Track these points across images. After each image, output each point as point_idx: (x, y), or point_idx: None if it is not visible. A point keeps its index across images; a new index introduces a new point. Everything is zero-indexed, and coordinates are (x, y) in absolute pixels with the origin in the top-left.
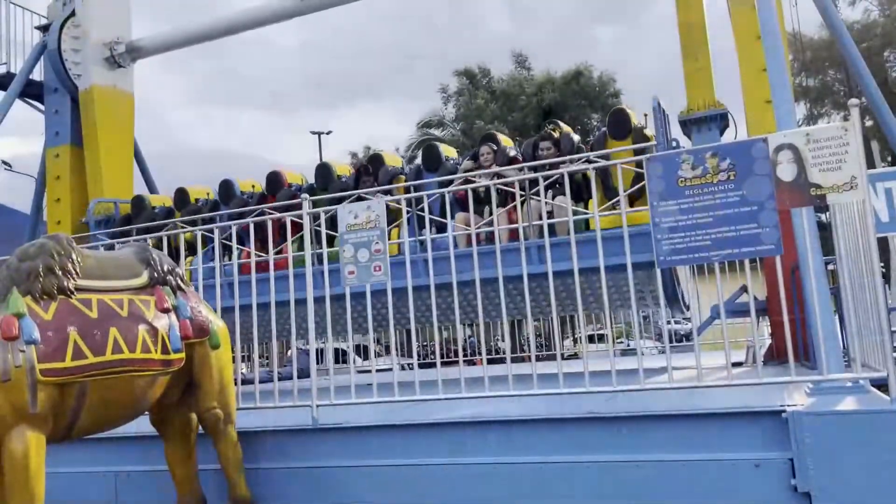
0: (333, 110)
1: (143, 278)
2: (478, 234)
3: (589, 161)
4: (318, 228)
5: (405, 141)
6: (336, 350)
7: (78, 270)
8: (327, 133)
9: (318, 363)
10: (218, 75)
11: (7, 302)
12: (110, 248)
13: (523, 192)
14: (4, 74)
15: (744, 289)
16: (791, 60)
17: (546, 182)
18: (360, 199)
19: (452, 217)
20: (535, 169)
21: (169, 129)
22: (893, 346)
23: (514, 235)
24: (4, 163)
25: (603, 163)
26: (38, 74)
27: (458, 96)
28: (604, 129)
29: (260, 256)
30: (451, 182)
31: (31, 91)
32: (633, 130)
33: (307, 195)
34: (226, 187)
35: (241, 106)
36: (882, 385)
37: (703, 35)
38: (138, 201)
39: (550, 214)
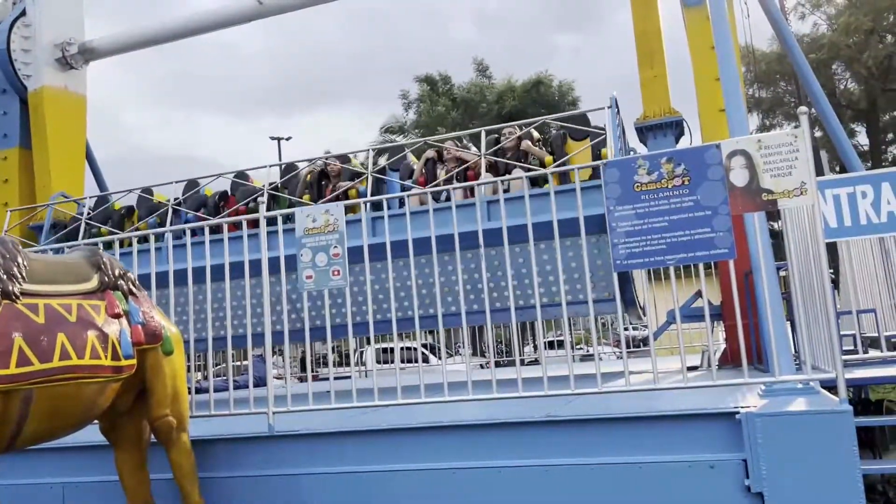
0: (294, 115)
1: (94, 282)
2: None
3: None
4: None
5: (366, 146)
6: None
7: (24, 274)
8: (287, 139)
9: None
10: (177, 78)
11: None
12: (59, 251)
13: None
14: None
15: (699, 294)
16: (744, 72)
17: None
18: (320, 194)
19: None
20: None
21: (125, 131)
22: (841, 349)
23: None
24: None
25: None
26: None
27: (419, 103)
28: (563, 131)
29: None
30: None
31: None
32: (590, 134)
33: (262, 200)
34: (192, 185)
35: (200, 109)
36: (832, 387)
37: (658, 44)
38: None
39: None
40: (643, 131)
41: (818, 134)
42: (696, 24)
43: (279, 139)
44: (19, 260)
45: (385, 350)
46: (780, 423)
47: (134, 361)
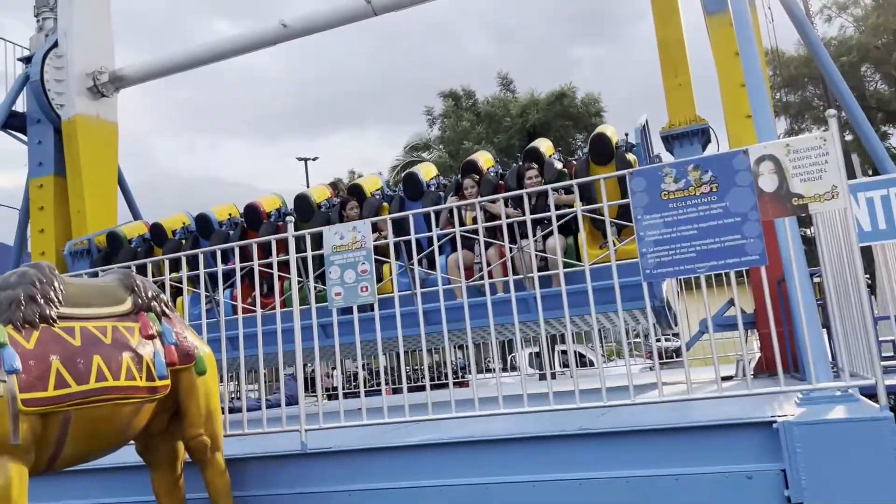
0: (319, 136)
1: (127, 305)
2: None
3: (573, 190)
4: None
5: (390, 163)
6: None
7: (60, 298)
8: (313, 159)
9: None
10: (203, 104)
11: None
12: (94, 275)
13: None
14: None
15: (731, 302)
16: (770, 76)
17: (534, 218)
18: None
19: (441, 251)
20: (520, 201)
21: (154, 157)
22: (880, 355)
23: (504, 274)
24: None
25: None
26: (21, 106)
27: (443, 119)
28: (587, 154)
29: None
30: (437, 213)
31: (15, 123)
32: (615, 154)
33: (291, 219)
34: (204, 223)
35: (225, 134)
36: (871, 394)
37: (682, 51)
38: (113, 238)
39: (542, 252)
40: (669, 140)
41: (849, 137)
42: (719, 30)
43: (306, 160)
44: (56, 284)
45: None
46: (819, 432)
47: (168, 382)
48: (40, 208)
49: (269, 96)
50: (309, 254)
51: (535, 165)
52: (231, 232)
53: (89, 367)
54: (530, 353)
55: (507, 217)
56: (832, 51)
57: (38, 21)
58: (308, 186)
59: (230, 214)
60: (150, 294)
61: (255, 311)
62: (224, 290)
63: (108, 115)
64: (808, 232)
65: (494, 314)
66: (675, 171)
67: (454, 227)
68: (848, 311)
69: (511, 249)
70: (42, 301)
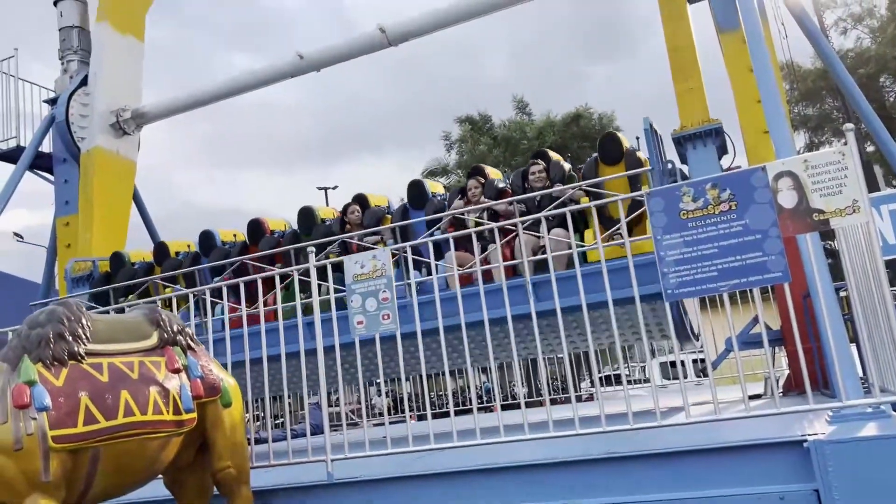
0: (336, 165)
1: (153, 339)
2: (473, 274)
3: (585, 191)
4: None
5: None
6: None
7: (88, 335)
8: (333, 188)
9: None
10: (223, 137)
11: (18, 370)
12: (122, 310)
13: (515, 227)
14: (15, 148)
15: (756, 320)
16: (788, 90)
17: (541, 214)
18: (344, 243)
19: (442, 257)
20: (527, 200)
21: (175, 189)
22: None
23: (509, 272)
24: (16, 234)
25: (600, 200)
26: (47, 146)
27: (460, 143)
28: (595, 155)
29: (248, 308)
30: (439, 220)
31: (41, 163)
32: (625, 155)
33: (312, 249)
34: (206, 238)
35: (246, 165)
36: None
37: (692, 56)
38: (116, 258)
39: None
40: (681, 142)
41: (870, 148)
42: (732, 47)
43: (325, 189)
44: (84, 321)
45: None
46: (852, 450)
47: (195, 415)
48: (67, 246)
49: (287, 126)
50: (331, 290)
51: (541, 161)
52: (231, 248)
53: (117, 402)
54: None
55: (512, 215)
56: (849, 63)
57: (62, 63)
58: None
59: (234, 235)
60: (175, 328)
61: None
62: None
63: (127, 153)
64: (833, 244)
65: (492, 305)
66: (692, 190)
67: (456, 230)
68: (876, 325)
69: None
70: (70, 338)
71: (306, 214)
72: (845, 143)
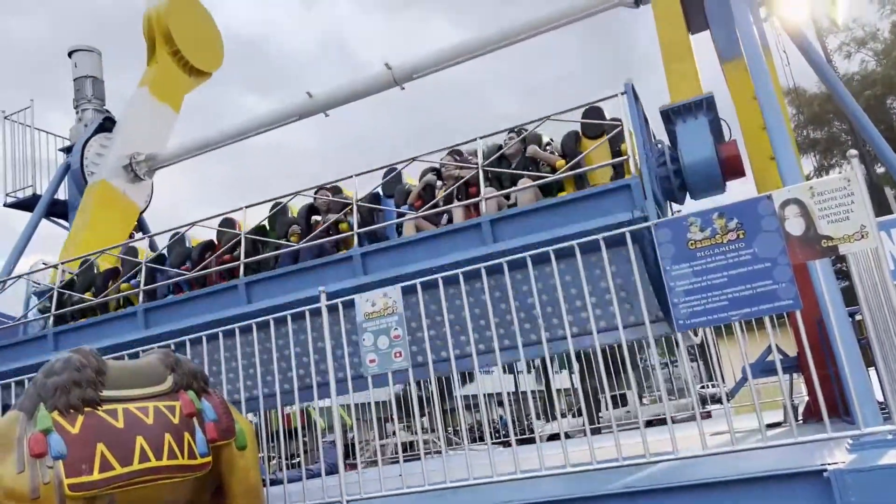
0: None
1: (168, 384)
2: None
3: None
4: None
5: None
6: None
7: (103, 381)
8: None
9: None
10: (233, 178)
11: (35, 419)
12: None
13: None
14: (31, 196)
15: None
16: (794, 114)
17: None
18: (309, 229)
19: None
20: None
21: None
22: None
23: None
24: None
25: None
26: (62, 194)
27: None
28: (574, 129)
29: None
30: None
31: (57, 210)
32: (605, 130)
33: (323, 292)
34: (175, 242)
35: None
36: None
37: (685, 43)
38: (84, 266)
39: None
40: (670, 116)
41: (881, 170)
42: (735, 75)
43: None
44: (99, 368)
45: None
46: (873, 479)
47: (209, 459)
48: None
49: (298, 165)
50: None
51: (516, 131)
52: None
53: (133, 448)
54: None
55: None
56: (855, 86)
57: (77, 112)
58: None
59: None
60: (189, 372)
61: None
62: None
63: (134, 196)
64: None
65: (451, 248)
66: (700, 220)
67: (423, 203)
68: (892, 349)
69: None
70: (86, 385)
71: (277, 208)
72: (850, 169)
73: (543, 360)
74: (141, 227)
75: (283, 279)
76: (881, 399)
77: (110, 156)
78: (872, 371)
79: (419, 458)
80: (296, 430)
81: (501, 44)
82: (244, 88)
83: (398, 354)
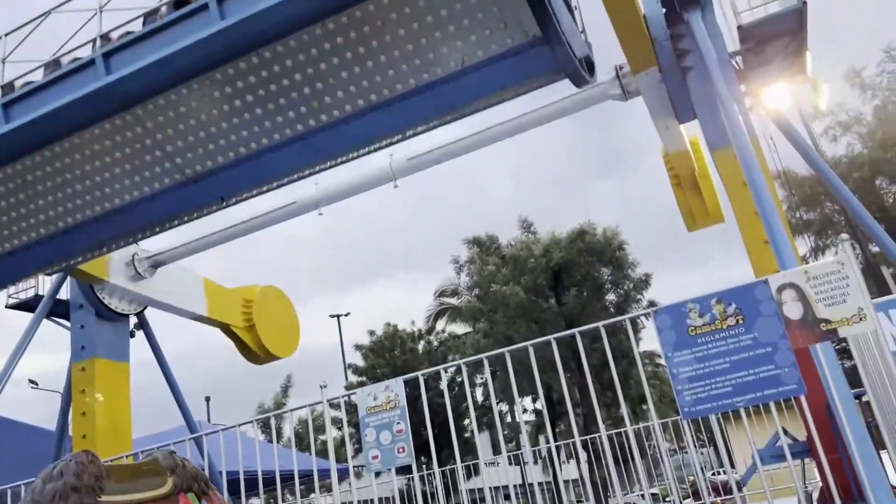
0: (351, 291)
1: (168, 486)
2: None
3: None
4: None
5: (423, 311)
6: None
7: (102, 486)
8: (346, 315)
9: None
10: (237, 270)
11: None
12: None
13: None
14: (33, 297)
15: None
16: (785, 197)
17: None
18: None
19: None
20: None
21: (190, 327)
22: None
23: None
24: (31, 381)
25: None
26: (64, 293)
27: (469, 264)
28: None
29: None
30: None
31: (58, 310)
32: None
33: (325, 387)
34: None
35: None
36: None
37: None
38: None
39: None
40: None
41: (876, 249)
42: (724, 163)
43: (338, 316)
44: (97, 472)
45: None
46: None
47: None
48: (82, 391)
49: (300, 255)
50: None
51: None
52: None
53: None
54: None
55: None
56: (843, 168)
57: None
58: (342, 341)
59: None
60: (190, 474)
61: None
62: None
63: (121, 358)
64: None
65: None
66: (698, 307)
67: None
68: None
69: None
70: (84, 491)
71: None
72: (838, 253)
73: (549, 451)
74: None
75: None
76: (895, 482)
77: (111, 264)
78: (884, 453)
79: None
80: None
81: (496, 141)
82: None
83: (401, 450)
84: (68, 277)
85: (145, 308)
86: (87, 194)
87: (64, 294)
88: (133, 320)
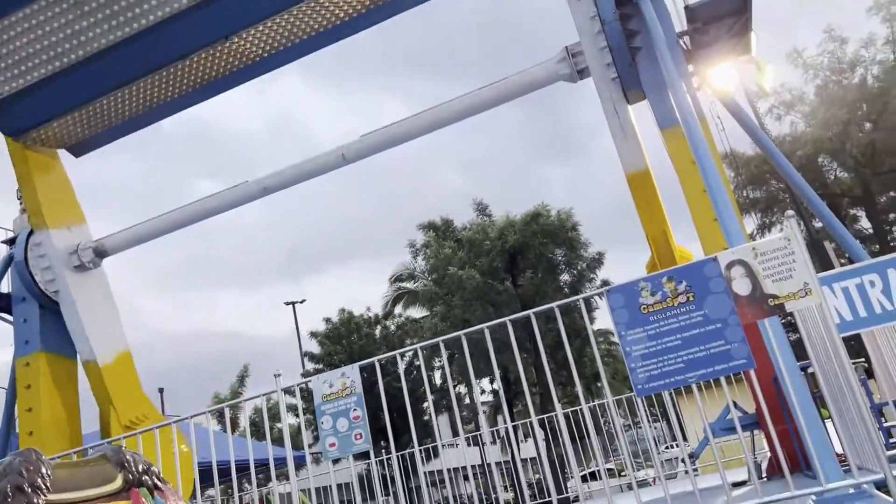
0: (305, 279)
1: (118, 483)
2: None
3: None
4: None
5: (379, 298)
6: None
7: (48, 485)
8: (301, 302)
9: None
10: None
11: None
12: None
13: None
14: None
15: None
16: (733, 176)
17: None
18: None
19: None
20: None
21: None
22: (886, 443)
23: None
24: None
25: None
26: (5, 286)
27: (425, 248)
28: None
29: None
30: None
31: (0, 303)
32: None
33: (279, 375)
34: None
35: (215, 287)
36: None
37: None
38: None
39: None
40: None
41: (819, 225)
42: (674, 142)
43: (293, 303)
44: (43, 471)
45: None
46: None
47: None
48: (27, 386)
49: (256, 247)
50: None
51: None
52: None
53: None
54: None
55: None
56: (787, 146)
57: (20, 203)
58: (297, 329)
59: None
60: (140, 468)
61: None
62: None
63: (67, 352)
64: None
65: None
66: (650, 285)
67: None
68: (844, 403)
69: None
70: (30, 491)
71: None
72: (784, 230)
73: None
74: None
75: None
76: (841, 450)
77: (54, 260)
78: (829, 422)
79: None
80: None
81: (446, 123)
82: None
83: (359, 436)
84: (9, 270)
85: None
86: None
87: (5, 287)
88: None
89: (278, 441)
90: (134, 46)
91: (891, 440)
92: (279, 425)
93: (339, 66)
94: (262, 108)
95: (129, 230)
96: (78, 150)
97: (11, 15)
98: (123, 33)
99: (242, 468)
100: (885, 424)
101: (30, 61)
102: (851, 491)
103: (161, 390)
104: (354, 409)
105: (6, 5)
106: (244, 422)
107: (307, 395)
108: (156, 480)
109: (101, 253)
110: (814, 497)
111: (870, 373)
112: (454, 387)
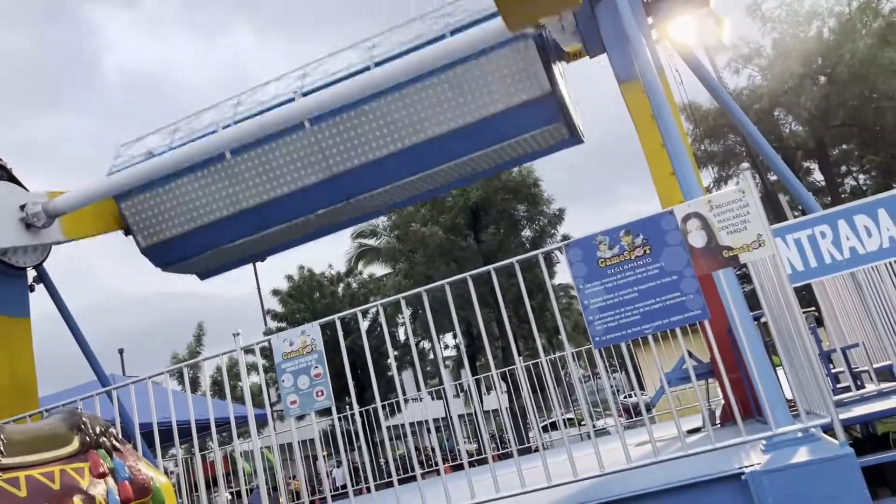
0: None
1: (75, 445)
2: None
3: None
4: None
5: (344, 255)
6: None
7: (3, 449)
8: (261, 260)
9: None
10: None
11: None
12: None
13: None
14: None
15: (688, 356)
16: (691, 130)
17: None
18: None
19: None
20: None
21: (99, 279)
22: (833, 389)
23: None
24: None
25: None
26: None
27: None
28: None
29: None
30: None
31: None
32: None
33: (238, 335)
34: None
35: None
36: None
37: None
38: None
39: None
40: None
41: (774, 178)
42: (633, 96)
43: (254, 262)
44: None
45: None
46: (786, 478)
47: None
48: None
49: None
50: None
51: None
52: None
53: None
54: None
55: None
56: (744, 100)
57: None
58: (259, 288)
59: None
60: (97, 430)
61: None
62: None
63: (16, 312)
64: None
65: None
66: (608, 239)
67: None
68: (794, 350)
69: None
70: None
71: None
72: (739, 183)
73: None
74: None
75: None
76: (791, 396)
77: (2, 216)
78: (780, 369)
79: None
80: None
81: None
82: (147, 126)
83: (320, 393)
84: None
85: (44, 260)
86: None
87: None
88: (32, 273)
89: (241, 400)
90: (267, 208)
91: (838, 386)
92: (241, 384)
93: (287, 15)
94: (210, 58)
95: (82, 188)
96: (204, 276)
97: (175, 181)
98: (262, 200)
99: (204, 427)
100: (832, 371)
101: (185, 216)
102: (800, 435)
103: (121, 351)
104: (315, 367)
105: (169, 177)
106: (206, 382)
107: (269, 354)
108: (114, 442)
109: (52, 212)
110: (764, 441)
111: (820, 321)
112: (417, 343)
